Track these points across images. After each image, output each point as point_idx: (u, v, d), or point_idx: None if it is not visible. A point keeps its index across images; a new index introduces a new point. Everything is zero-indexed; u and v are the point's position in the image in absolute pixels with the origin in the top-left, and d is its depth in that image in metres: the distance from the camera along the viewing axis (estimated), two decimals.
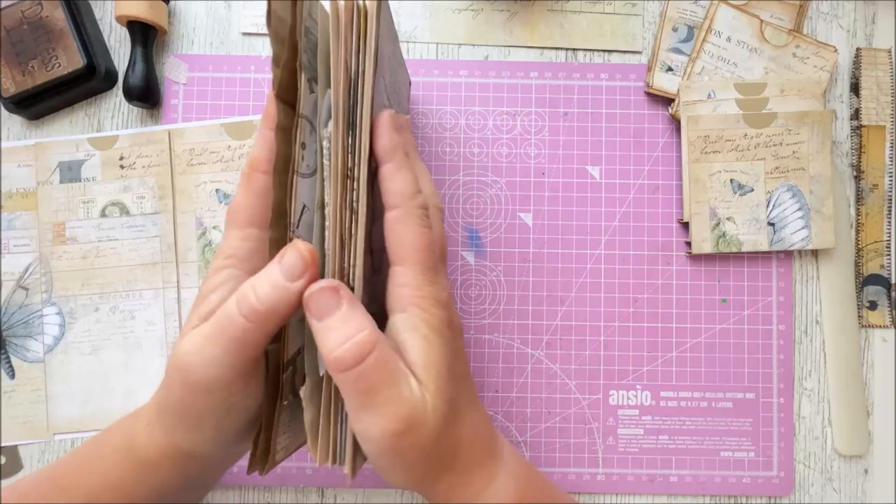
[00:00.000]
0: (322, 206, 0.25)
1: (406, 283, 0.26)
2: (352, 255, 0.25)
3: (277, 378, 0.27)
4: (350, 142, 0.25)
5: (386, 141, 0.26)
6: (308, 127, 0.26)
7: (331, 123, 0.25)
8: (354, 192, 0.25)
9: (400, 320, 0.26)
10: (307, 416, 0.26)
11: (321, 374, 0.26)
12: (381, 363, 0.24)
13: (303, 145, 0.26)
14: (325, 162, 0.25)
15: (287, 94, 0.25)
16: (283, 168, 0.26)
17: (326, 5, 0.25)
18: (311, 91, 0.26)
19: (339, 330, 0.24)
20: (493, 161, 0.43)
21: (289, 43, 0.25)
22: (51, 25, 0.41)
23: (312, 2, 0.26)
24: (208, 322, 0.25)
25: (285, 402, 0.27)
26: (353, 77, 0.25)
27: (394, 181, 0.26)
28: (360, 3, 0.25)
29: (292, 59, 0.25)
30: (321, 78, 0.26)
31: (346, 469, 0.26)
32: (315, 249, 0.25)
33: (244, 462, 0.41)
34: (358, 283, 0.25)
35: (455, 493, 0.28)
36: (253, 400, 0.27)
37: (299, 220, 0.26)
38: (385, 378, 0.24)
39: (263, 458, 0.27)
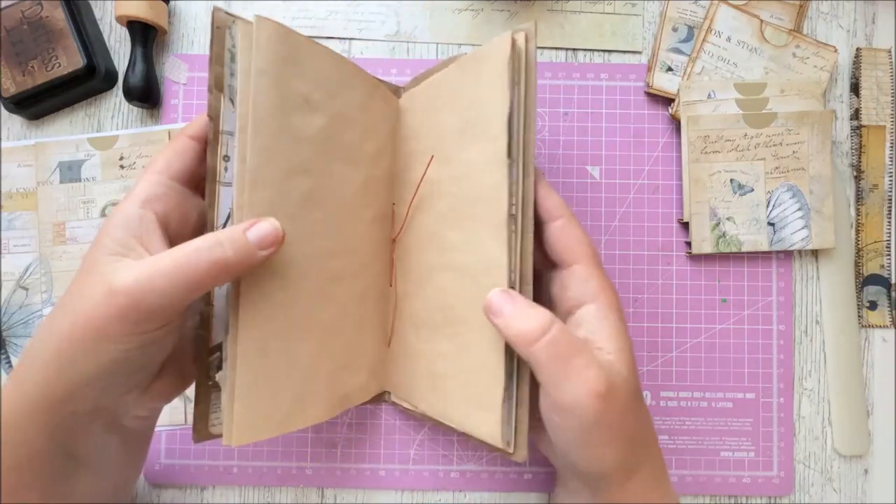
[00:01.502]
0: (240, 208, 0.29)
1: (590, 277, 0.30)
2: (520, 262, 0.30)
3: (205, 358, 0.31)
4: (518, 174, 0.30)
5: (544, 193, 0.31)
6: (230, 141, 0.30)
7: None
8: (518, 224, 0.30)
9: (590, 311, 0.30)
10: (223, 396, 0.29)
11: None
12: (565, 333, 0.28)
13: (225, 157, 0.30)
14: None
15: (213, 112, 0.30)
16: (211, 178, 0.30)
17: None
18: (234, 109, 0.30)
19: (518, 317, 0.28)
20: None
21: (212, 67, 0.29)
22: (51, 25, 0.41)
23: (238, 27, 0.29)
24: (163, 258, 0.26)
25: (210, 383, 0.31)
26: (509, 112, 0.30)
27: (550, 197, 0.31)
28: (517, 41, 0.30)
29: (214, 81, 0.30)
30: (241, 96, 0.29)
31: (520, 456, 0.29)
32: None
33: (245, 462, 0.42)
34: (528, 286, 0.30)
35: (649, 491, 0.29)
36: (157, 352, 0.29)
37: (225, 224, 0.30)
38: (575, 347, 0.27)
39: (199, 427, 0.31)
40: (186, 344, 0.32)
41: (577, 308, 0.30)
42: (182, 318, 0.29)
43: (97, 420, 0.29)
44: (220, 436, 0.30)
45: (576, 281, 0.30)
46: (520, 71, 0.30)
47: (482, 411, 0.30)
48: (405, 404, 0.37)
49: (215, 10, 0.29)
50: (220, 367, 0.30)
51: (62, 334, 0.26)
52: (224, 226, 0.30)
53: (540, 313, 0.28)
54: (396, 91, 0.39)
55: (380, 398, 0.39)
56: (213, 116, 0.30)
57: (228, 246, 0.27)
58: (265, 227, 0.28)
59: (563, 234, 0.31)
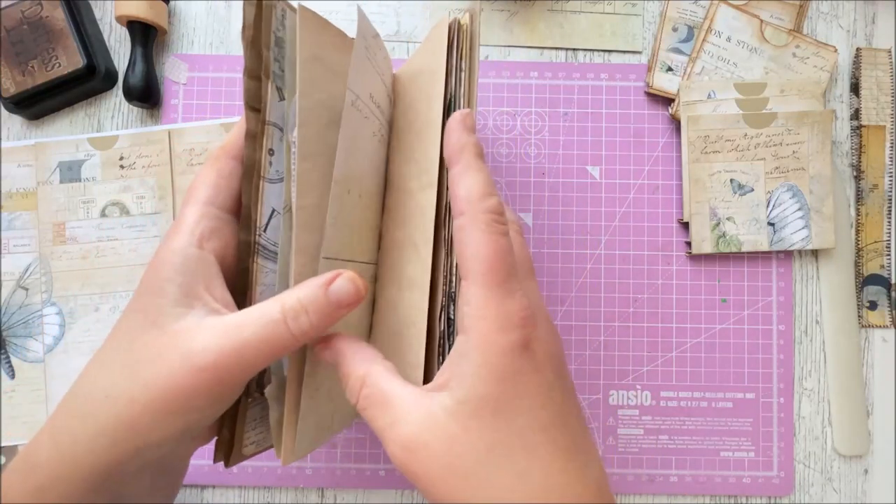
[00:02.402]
0: (290, 210, 0.25)
1: (467, 302, 0.23)
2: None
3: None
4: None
5: (454, 140, 0.25)
6: (277, 133, 0.27)
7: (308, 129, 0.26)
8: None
9: (459, 343, 0.24)
10: (273, 416, 0.26)
11: (285, 374, 0.26)
12: (375, 385, 0.24)
13: (270, 151, 0.27)
14: (293, 167, 0.26)
15: (255, 102, 0.26)
16: (250, 173, 0.26)
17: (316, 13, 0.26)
18: (281, 98, 0.27)
19: (345, 363, 0.25)
20: (493, 161, 0.43)
21: (252, 52, 0.26)
22: (51, 25, 0.41)
23: (284, 10, 0.26)
24: (246, 326, 0.23)
25: (250, 400, 0.28)
26: (451, 95, 0.26)
27: (461, 185, 0.24)
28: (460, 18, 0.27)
29: (257, 67, 0.26)
30: (289, 85, 0.26)
31: (285, 461, 0.26)
32: (367, 283, 0.25)
33: (244, 462, 0.42)
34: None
35: None
36: (225, 408, 0.26)
37: (266, 225, 0.27)
38: (382, 399, 0.24)
39: (228, 449, 0.27)
40: None
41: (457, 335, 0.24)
42: None
43: (148, 470, 0.26)
44: (250, 456, 0.29)
45: (461, 300, 0.24)
46: (462, 54, 0.28)
47: None
48: None
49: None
50: (259, 384, 0.28)
51: (130, 402, 0.23)
52: (267, 226, 0.27)
53: (359, 365, 0.25)
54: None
55: None
56: (258, 107, 0.26)
57: (313, 313, 0.24)
58: (347, 287, 0.24)
59: (457, 240, 0.24)
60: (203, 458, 0.41)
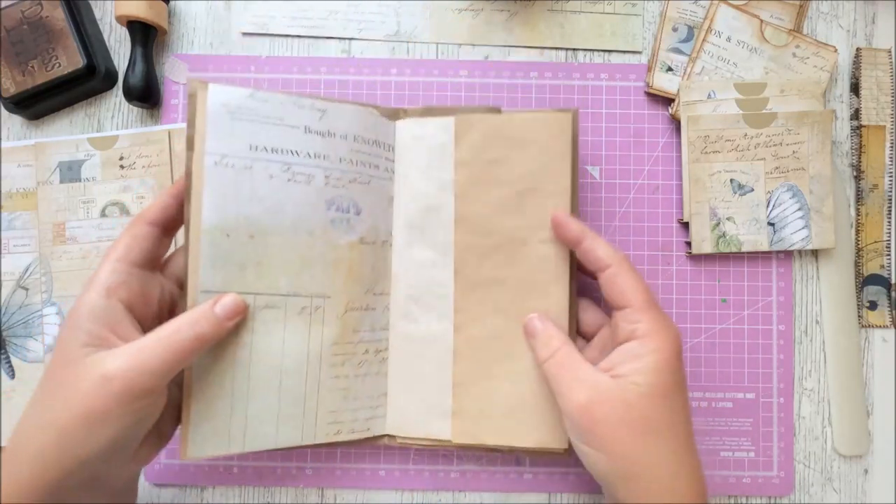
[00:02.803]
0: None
1: (638, 320, 0.32)
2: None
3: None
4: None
5: (575, 226, 0.35)
6: None
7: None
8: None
9: (629, 347, 0.32)
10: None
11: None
12: (569, 354, 0.33)
13: None
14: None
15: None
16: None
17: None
18: None
19: (539, 340, 0.35)
20: None
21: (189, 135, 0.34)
22: (51, 25, 0.41)
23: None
24: (148, 340, 0.30)
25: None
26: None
27: (599, 249, 0.34)
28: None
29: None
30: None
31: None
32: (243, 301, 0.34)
33: (245, 462, 0.42)
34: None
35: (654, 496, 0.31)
36: (149, 421, 0.32)
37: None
38: (573, 366, 0.33)
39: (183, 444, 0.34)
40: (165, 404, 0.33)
41: (624, 343, 0.32)
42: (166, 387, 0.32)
43: (87, 489, 0.31)
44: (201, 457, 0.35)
45: (623, 322, 0.33)
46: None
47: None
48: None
49: (191, 82, 0.34)
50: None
51: (58, 423, 0.28)
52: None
53: (554, 337, 0.34)
54: (395, 113, 0.40)
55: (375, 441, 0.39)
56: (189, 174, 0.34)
57: (204, 322, 0.31)
58: (228, 301, 0.33)
59: (611, 283, 0.33)
60: None
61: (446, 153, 0.38)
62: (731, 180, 0.42)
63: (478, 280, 0.38)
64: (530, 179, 0.37)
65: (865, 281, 0.43)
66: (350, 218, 0.37)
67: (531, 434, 0.37)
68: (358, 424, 0.38)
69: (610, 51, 0.44)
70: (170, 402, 0.33)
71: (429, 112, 0.39)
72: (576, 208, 0.37)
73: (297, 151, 0.36)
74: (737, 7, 0.43)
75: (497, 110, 0.39)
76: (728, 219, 0.42)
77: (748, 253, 0.43)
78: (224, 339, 0.34)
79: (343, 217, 0.37)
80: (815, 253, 0.43)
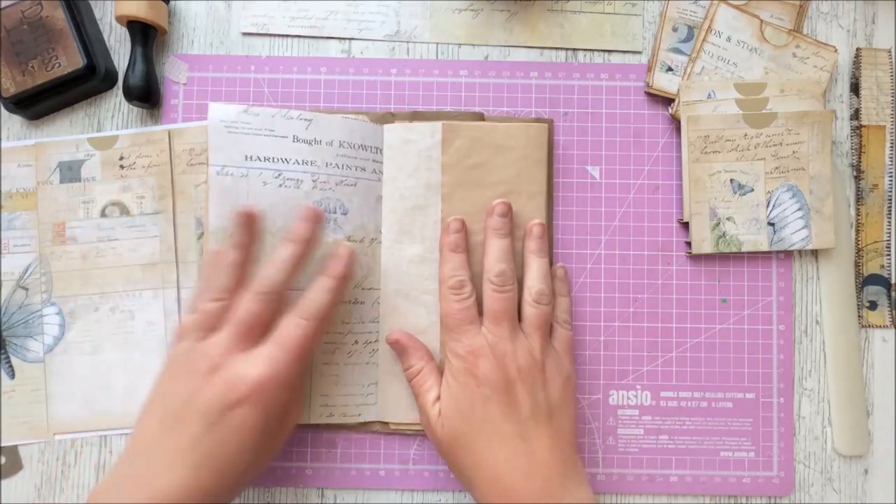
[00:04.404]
0: None
1: (444, 341, 0.38)
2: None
3: None
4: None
5: (445, 241, 0.40)
6: None
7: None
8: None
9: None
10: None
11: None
12: (417, 382, 0.38)
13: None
14: None
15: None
16: None
17: None
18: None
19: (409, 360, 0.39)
20: None
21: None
22: (51, 25, 0.41)
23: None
24: (268, 347, 0.33)
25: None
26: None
27: (441, 269, 0.39)
28: None
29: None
30: None
31: None
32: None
33: None
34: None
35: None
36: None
37: None
38: (419, 391, 0.38)
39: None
40: None
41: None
42: None
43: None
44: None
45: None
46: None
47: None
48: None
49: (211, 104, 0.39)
50: None
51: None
52: None
53: (415, 359, 0.39)
54: (385, 117, 0.42)
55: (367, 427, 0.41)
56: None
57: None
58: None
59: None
60: None
61: (433, 156, 0.41)
62: (731, 180, 0.42)
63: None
64: (510, 183, 0.41)
65: (865, 281, 0.43)
66: (337, 218, 0.40)
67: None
68: (349, 410, 0.41)
69: (610, 51, 0.44)
70: None
71: (417, 116, 0.42)
72: (550, 209, 0.42)
73: (286, 159, 0.39)
74: (737, 7, 0.43)
75: (480, 116, 0.42)
76: (728, 219, 0.42)
77: (748, 253, 0.43)
78: None
79: (330, 217, 0.40)
80: (815, 253, 0.43)
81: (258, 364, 0.32)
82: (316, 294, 0.35)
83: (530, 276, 0.38)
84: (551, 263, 0.41)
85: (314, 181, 0.40)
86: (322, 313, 0.35)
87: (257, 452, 0.33)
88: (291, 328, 0.34)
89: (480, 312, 0.37)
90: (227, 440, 0.31)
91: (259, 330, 0.34)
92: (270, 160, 0.39)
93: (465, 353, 0.36)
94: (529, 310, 0.37)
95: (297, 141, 0.40)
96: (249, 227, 0.36)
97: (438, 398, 0.37)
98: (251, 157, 0.39)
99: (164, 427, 0.32)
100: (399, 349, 0.39)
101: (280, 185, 0.39)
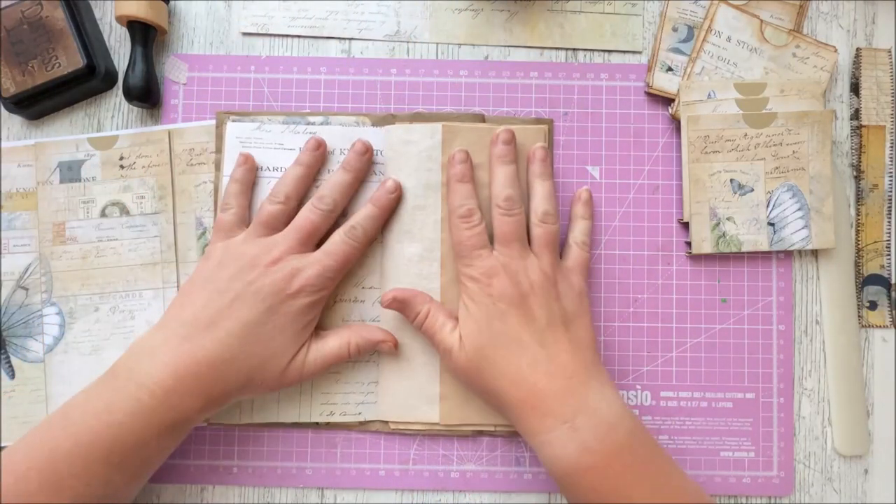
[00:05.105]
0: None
1: (458, 269, 0.39)
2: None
3: None
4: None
5: (452, 172, 0.40)
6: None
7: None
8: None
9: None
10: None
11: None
12: (429, 323, 0.39)
13: None
14: None
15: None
16: None
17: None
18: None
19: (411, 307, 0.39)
20: None
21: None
22: (51, 25, 0.41)
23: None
24: (319, 254, 0.39)
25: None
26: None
27: (449, 199, 0.40)
28: None
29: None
30: None
31: None
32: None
33: (245, 462, 0.42)
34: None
35: (519, 427, 0.36)
36: None
37: None
38: (432, 330, 0.39)
39: None
40: None
41: None
42: None
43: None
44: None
45: None
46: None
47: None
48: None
49: (219, 114, 0.42)
50: None
51: None
52: None
53: (419, 304, 0.39)
54: (387, 118, 0.42)
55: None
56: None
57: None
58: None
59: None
60: (203, 458, 0.41)
61: (433, 157, 0.41)
62: (731, 180, 0.42)
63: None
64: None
65: (865, 281, 0.43)
66: (337, 220, 0.40)
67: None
68: (350, 408, 0.41)
69: (610, 51, 0.44)
70: None
71: (417, 118, 0.42)
72: None
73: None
74: (737, 7, 0.43)
75: (481, 117, 0.42)
76: (728, 219, 0.42)
77: (748, 253, 0.43)
78: None
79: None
80: (815, 253, 0.43)
81: (312, 265, 0.37)
82: (363, 219, 0.39)
83: (535, 198, 0.39)
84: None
85: (317, 187, 0.41)
86: (366, 237, 0.39)
87: (293, 341, 0.37)
88: (340, 244, 0.38)
89: (490, 238, 0.39)
90: (274, 324, 0.36)
91: (314, 238, 0.39)
92: (279, 170, 0.41)
93: (478, 275, 0.37)
94: (537, 230, 0.38)
95: None
96: (316, 153, 0.40)
97: (455, 327, 0.38)
98: (262, 168, 0.42)
99: (215, 303, 0.36)
100: (399, 305, 0.39)
101: None
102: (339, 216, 0.40)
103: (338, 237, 0.39)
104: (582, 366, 0.36)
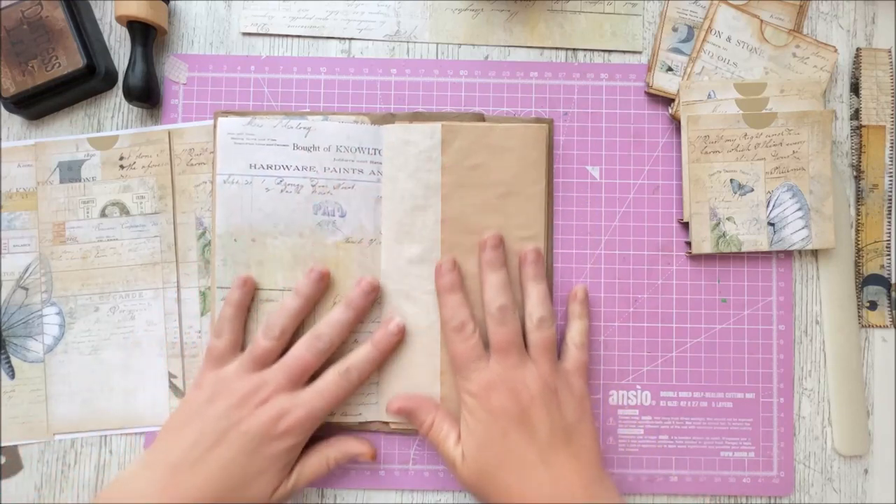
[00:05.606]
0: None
1: (456, 384, 0.39)
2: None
3: None
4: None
5: (440, 284, 0.40)
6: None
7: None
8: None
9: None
10: None
11: None
12: (434, 433, 0.39)
13: None
14: None
15: None
16: None
17: None
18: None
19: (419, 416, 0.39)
20: None
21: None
22: (51, 25, 0.41)
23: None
24: (309, 393, 0.38)
25: None
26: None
27: (441, 312, 0.40)
28: None
29: None
30: None
31: None
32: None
33: None
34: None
35: None
36: None
37: None
38: (437, 440, 0.39)
39: None
40: None
41: None
42: None
43: None
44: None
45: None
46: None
47: None
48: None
49: (215, 114, 0.42)
50: None
51: None
52: None
53: (424, 413, 0.39)
54: (386, 118, 0.42)
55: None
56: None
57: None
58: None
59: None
60: None
61: (433, 157, 0.41)
62: (731, 180, 0.42)
63: (462, 275, 0.40)
64: (509, 183, 0.41)
65: (865, 281, 0.43)
66: (335, 220, 0.41)
67: None
68: (350, 409, 0.41)
69: (610, 51, 0.44)
70: None
71: (416, 117, 0.42)
72: (550, 209, 0.42)
73: (287, 166, 0.41)
74: (737, 7, 0.43)
75: (480, 116, 0.42)
76: (728, 219, 0.42)
77: (748, 253, 0.43)
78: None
79: (329, 220, 0.41)
80: (815, 253, 0.43)
81: (301, 407, 0.37)
82: (359, 361, 0.39)
83: (530, 302, 0.39)
84: (551, 288, 0.42)
85: (313, 186, 0.41)
86: (360, 380, 0.39)
87: (276, 478, 0.37)
88: (332, 385, 0.38)
89: (486, 345, 0.38)
90: (258, 465, 0.36)
91: (305, 376, 0.38)
92: (273, 168, 0.41)
93: (477, 389, 0.37)
94: (533, 336, 0.38)
95: (297, 148, 0.41)
96: (318, 284, 0.40)
97: (458, 441, 0.37)
98: (255, 166, 0.41)
99: (202, 443, 0.36)
100: (405, 414, 0.39)
101: (282, 191, 0.41)
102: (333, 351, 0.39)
103: (331, 377, 0.38)
104: (586, 484, 0.35)
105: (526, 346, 0.38)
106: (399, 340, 0.40)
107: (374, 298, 0.40)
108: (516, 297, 0.40)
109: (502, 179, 0.41)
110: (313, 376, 0.39)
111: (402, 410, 0.39)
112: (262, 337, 0.38)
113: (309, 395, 0.37)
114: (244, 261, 0.41)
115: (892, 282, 0.43)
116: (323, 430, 0.41)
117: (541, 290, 0.39)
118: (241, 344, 0.40)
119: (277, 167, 0.41)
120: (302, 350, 0.38)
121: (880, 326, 0.43)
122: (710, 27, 0.43)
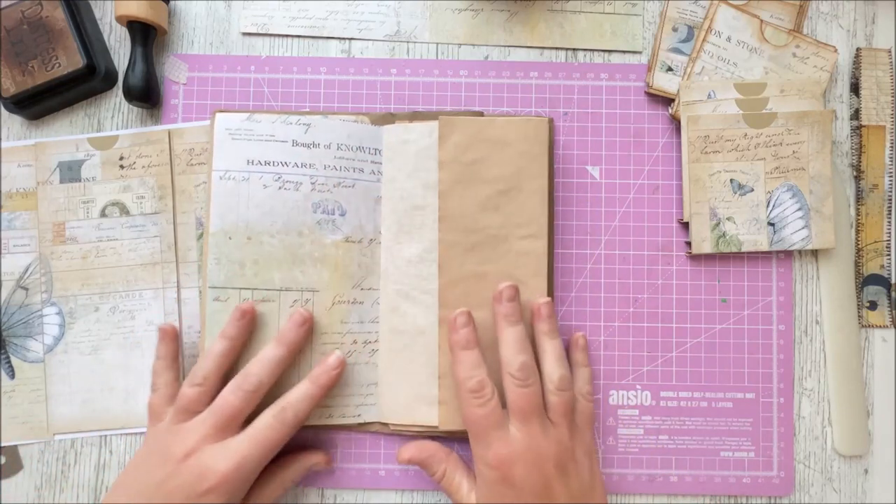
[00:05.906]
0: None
1: (472, 448, 0.36)
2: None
3: None
4: None
5: (454, 339, 0.38)
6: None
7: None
8: None
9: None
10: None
11: None
12: (446, 483, 0.38)
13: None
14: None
15: None
16: None
17: None
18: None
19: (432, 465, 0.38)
20: None
21: None
22: (51, 25, 0.41)
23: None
24: (240, 440, 0.35)
25: None
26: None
27: (455, 369, 0.37)
28: None
29: None
30: None
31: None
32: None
33: None
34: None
35: None
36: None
37: None
38: (449, 490, 0.38)
39: None
40: None
41: None
42: None
43: None
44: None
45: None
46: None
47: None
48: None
49: (215, 112, 0.41)
50: None
51: None
52: None
53: (436, 463, 0.38)
54: (387, 118, 0.42)
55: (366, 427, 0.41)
56: None
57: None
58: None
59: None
60: None
61: (431, 155, 0.40)
62: (731, 180, 0.42)
63: (461, 275, 0.40)
64: (510, 179, 0.40)
65: (865, 281, 0.43)
66: (335, 219, 0.40)
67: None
68: (349, 410, 0.40)
69: (610, 51, 0.44)
70: None
71: (416, 117, 0.42)
72: (552, 207, 0.41)
73: (286, 163, 0.40)
74: (737, 7, 0.43)
75: (480, 114, 0.41)
76: (728, 219, 0.42)
77: (748, 253, 0.43)
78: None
79: (328, 219, 0.40)
80: (815, 253, 0.43)
81: (229, 457, 0.34)
82: (296, 401, 0.36)
83: (548, 361, 0.37)
84: (551, 288, 0.41)
85: (312, 183, 0.40)
86: (296, 421, 0.36)
87: None
88: (266, 429, 0.35)
89: (502, 402, 0.36)
90: None
91: (236, 422, 0.36)
92: (271, 164, 0.40)
93: (497, 462, 0.35)
94: (554, 398, 0.36)
95: (296, 145, 0.40)
96: (242, 323, 0.38)
97: (471, 489, 0.37)
98: (252, 162, 0.40)
99: None
100: (417, 464, 0.39)
101: (280, 188, 0.40)
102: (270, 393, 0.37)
103: (265, 420, 0.36)
104: None
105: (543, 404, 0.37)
106: (339, 374, 0.38)
107: (308, 330, 0.38)
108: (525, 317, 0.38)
109: (502, 175, 0.40)
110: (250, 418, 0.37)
111: (414, 460, 0.38)
112: (186, 384, 0.36)
113: (239, 442, 0.35)
114: (238, 259, 0.40)
115: (892, 282, 0.43)
116: (321, 429, 0.41)
117: (557, 346, 0.37)
118: (175, 394, 0.37)
119: (276, 164, 0.40)
120: (227, 394, 0.36)
121: (880, 326, 0.43)
122: (710, 27, 0.43)
